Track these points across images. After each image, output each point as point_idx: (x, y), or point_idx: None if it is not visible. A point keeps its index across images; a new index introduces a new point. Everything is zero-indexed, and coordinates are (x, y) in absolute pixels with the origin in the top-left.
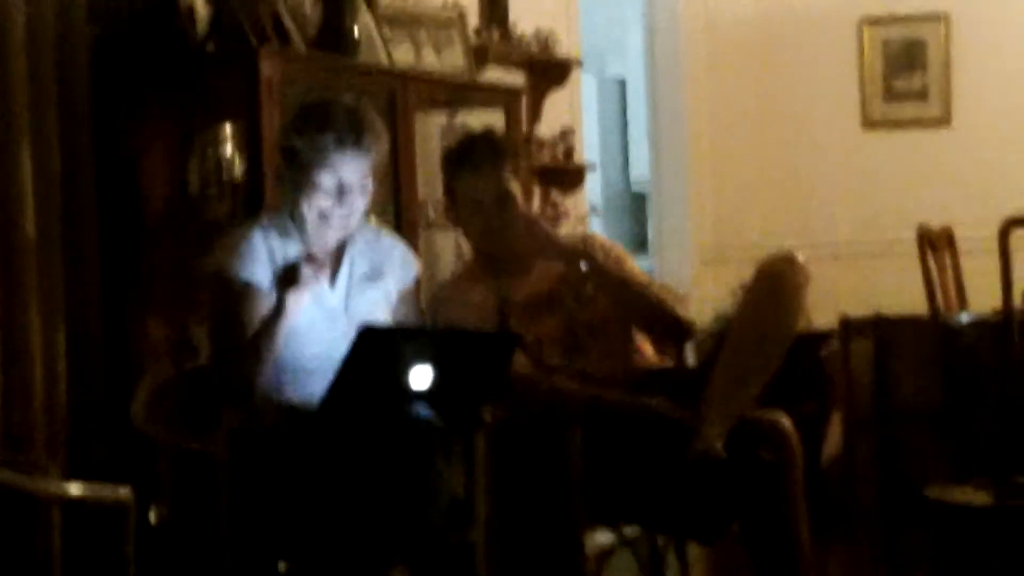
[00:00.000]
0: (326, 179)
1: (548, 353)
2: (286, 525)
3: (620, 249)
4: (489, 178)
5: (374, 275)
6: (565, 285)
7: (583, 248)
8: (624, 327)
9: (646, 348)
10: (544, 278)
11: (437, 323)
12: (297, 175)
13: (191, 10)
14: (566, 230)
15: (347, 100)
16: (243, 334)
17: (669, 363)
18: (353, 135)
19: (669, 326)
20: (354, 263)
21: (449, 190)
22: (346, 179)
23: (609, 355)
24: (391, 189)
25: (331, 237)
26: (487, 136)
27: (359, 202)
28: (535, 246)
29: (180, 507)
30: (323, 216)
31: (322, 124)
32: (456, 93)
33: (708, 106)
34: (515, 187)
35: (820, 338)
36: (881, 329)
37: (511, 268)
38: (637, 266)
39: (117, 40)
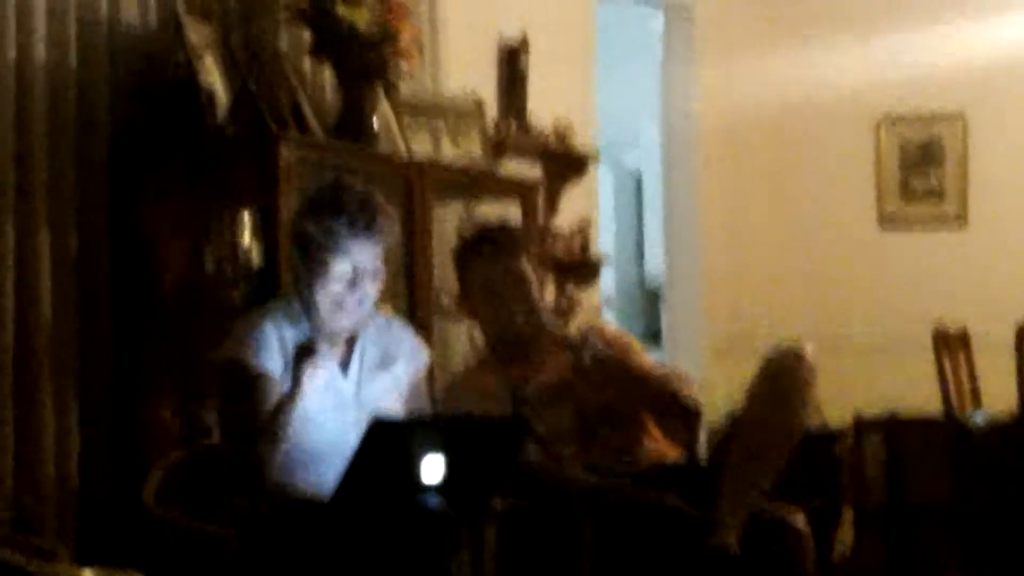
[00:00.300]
0: (339, 265)
1: (561, 444)
2: None
3: (627, 337)
4: (504, 264)
5: (385, 363)
6: (576, 374)
7: (587, 339)
8: (636, 415)
9: (657, 434)
10: (555, 368)
11: (450, 413)
12: (309, 261)
13: (211, 95)
14: (578, 322)
15: (358, 186)
16: (257, 421)
17: (681, 455)
18: (365, 220)
19: (676, 410)
20: (365, 351)
21: (463, 280)
22: (359, 264)
23: (622, 445)
24: (405, 277)
25: (344, 323)
26: (502, 226)
27: (371, 287)
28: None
29: None
30: (336, 302)
31: (335, 210)
32: (473, 183)
33: (723, 200)
34: (530, 273)
35: (834, 436)
36: (894, 428)
37: (523, 359)
38: (645, 355)
39: (137, 122)
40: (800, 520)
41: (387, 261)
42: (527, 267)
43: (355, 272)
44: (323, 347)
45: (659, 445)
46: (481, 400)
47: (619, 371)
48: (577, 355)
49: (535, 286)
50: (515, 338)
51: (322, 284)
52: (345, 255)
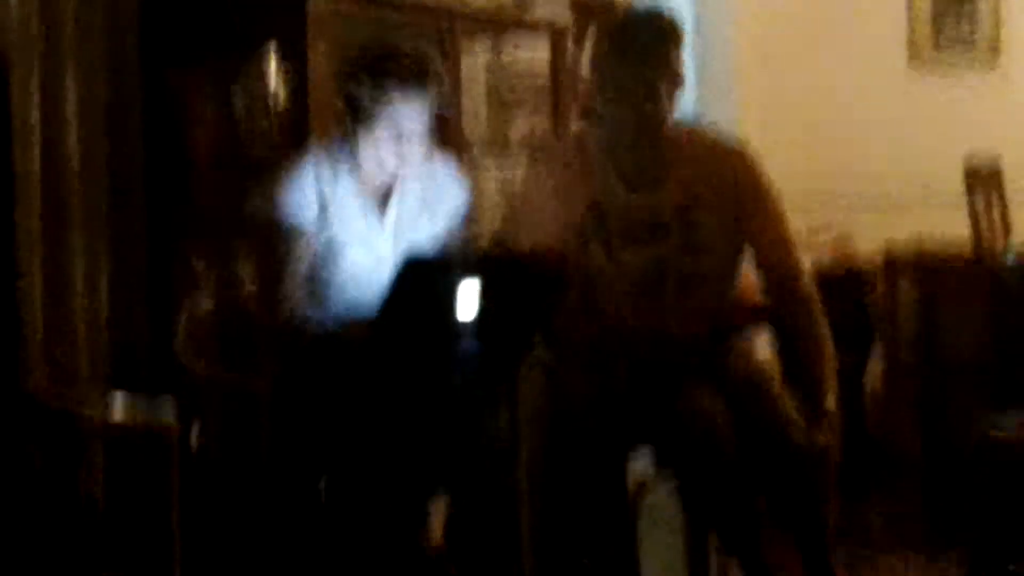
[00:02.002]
0: (387, 129)
1: (618, 287)
2: (328, 452)
3: (769, 183)
4: (641, 64)
5: (424, 207)
6: (681, 223)
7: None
8: (725, 289)
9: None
10: (666, 201)
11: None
12: (356, 121)
13: None
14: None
15: (407, 48)
16: (292, 275)
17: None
18: (415, 85)
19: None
20: (404, 199)
21: (595, 70)
22: (406, 128)
23: (688, 313)
24: (437, 127)
25: (386, 180)
26: (653, 14)
27: (416, 148)
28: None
29: (221, 435)
30: (380, 163)
31: (385, 74)
32: (503, 27)
33: (753, 44)
34: (665, 81)
35: (863, 279)
36: (925, 268)
37: (631, 174)
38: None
39: None
40: (761, 358)
41: (433, 116)
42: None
43: (401, 136)
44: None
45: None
46: (551, 197)
47: (748, 211)
48: (708, 170)
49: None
50: (638, 148)
51: (369, 143)
52: (392, 119)
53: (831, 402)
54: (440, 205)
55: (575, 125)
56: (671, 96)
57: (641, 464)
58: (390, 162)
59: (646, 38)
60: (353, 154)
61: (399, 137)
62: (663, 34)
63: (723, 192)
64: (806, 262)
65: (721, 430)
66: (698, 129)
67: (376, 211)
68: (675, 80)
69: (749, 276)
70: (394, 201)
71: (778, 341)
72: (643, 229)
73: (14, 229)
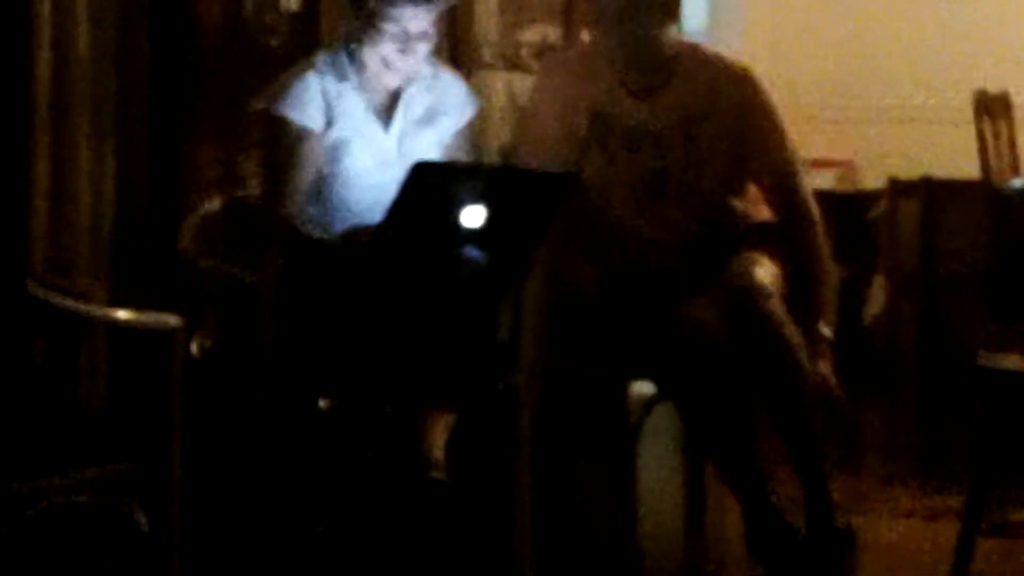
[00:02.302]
0: (391, 28)
1: (617, 192)
2: (330, 360)
3: (773, 104)
4: None
5: (430, 117)
6: (683, 135)
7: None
8: (724, 200)
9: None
10: (668, 111)
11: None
12: (362, 20)
13: None
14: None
15: None
16: (295, 175)
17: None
18: None
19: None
20: (410, 106)
21: None
22: (412, 29)
23: (686, 221)
24: (447, 28)
25: (390, 81)
26: None
27: (421, 50)
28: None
29: (224, 339)
30: (384, 62)
31: None
32: None
33: None
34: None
35: (868, 199)
36: (930, 191)
37: (634, 84)
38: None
39: None
40: (763, 273)
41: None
42: None
43: (406, 35)
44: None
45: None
46: (557, 106)
47: (747, 134)
48: (714, 95)
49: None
50: (637, 60)
51: (372, 44)
52: (398, 20)
53: (828, 331)
54: (446, 116)
55: (584, 34)
56: (666, 13)
57: (644, 385)
58: (396, 63)
59: None
60: (359, 56)
61: (405, 37)
62: None
63: (726, 109)
64: (808, 183)
65: (715, 339)
66: (703, 46)
67: (382, 116)
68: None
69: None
70: (400, 107)
71: (783, 268)
72: (645, 138)
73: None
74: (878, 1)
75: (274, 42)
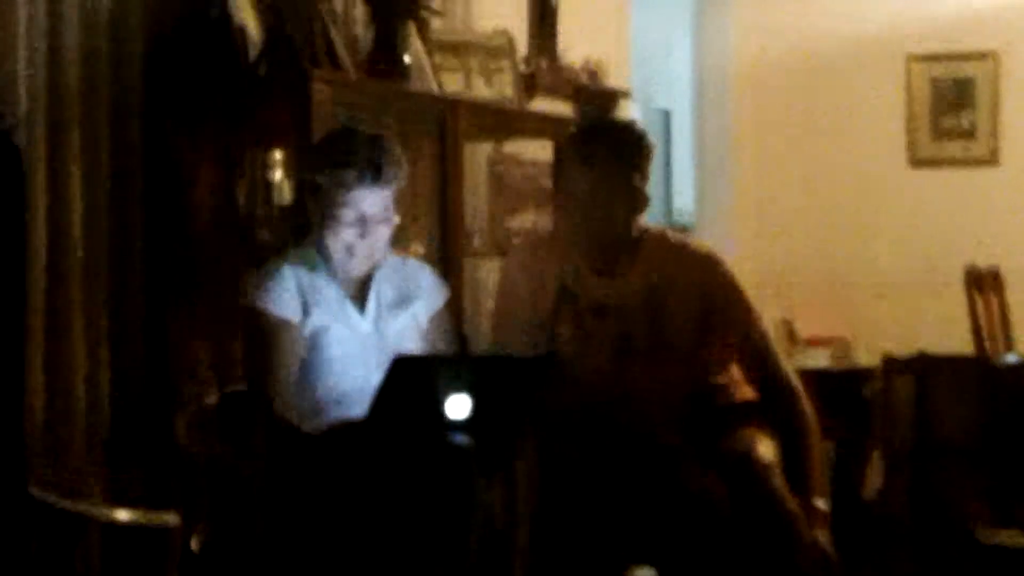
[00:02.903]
0: (348, 214)
1: (588, 357)
2: (324, 550)
3: (740, 286)
4: (588, 175)
5: (402, 302)
6: (645, 308)
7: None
8: (695, 362)
9: (736, 375)
10: (630, 289)
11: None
12: (320, 209)
13: (243, 31)
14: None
15: (368, 130)
16: (278, 367)
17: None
18: (373, 169)
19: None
20: (381, 291)
21: (557, 175)
22: (368, 212)
23: (668, 381)
24: (438, 216)
25: (357, 268)
26: (623, 127)
27: (382, 233)
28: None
29: (221, 531)
30: (347, 248)
31: (342, 159)
32: (505, 121)
33: (754, 139)
34: (620, 193)
35: (863, 376)
36: (924, 368)
37: (597, 264)
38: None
39: (169, 59)
40: (765, 449)
41: (398, 203)
42: (626, 187)
43: (364, 219)
44: (337, 287)
45: (740, 388)
46: (528, 283)
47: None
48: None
49: (633, 211)
50: (600, 248)
51: (333, 231)
52: (353, 204)
53: (822, 503)
54: (417, 300)
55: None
56: (631, 207)
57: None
58: (357, 248)
59: (604, 151)
60: (325, 246)
61: (363, 221)
62: (624, 148)
63: (688, 287)
64: (782, 356)
65: (721, 514)
66: (668, 232)
67: (356, 301)
68: (633, 193)
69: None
70: (372, 292)
71: (777, 442)
72: (610, 309)
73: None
74: (865, 179)
75: (266, 234)
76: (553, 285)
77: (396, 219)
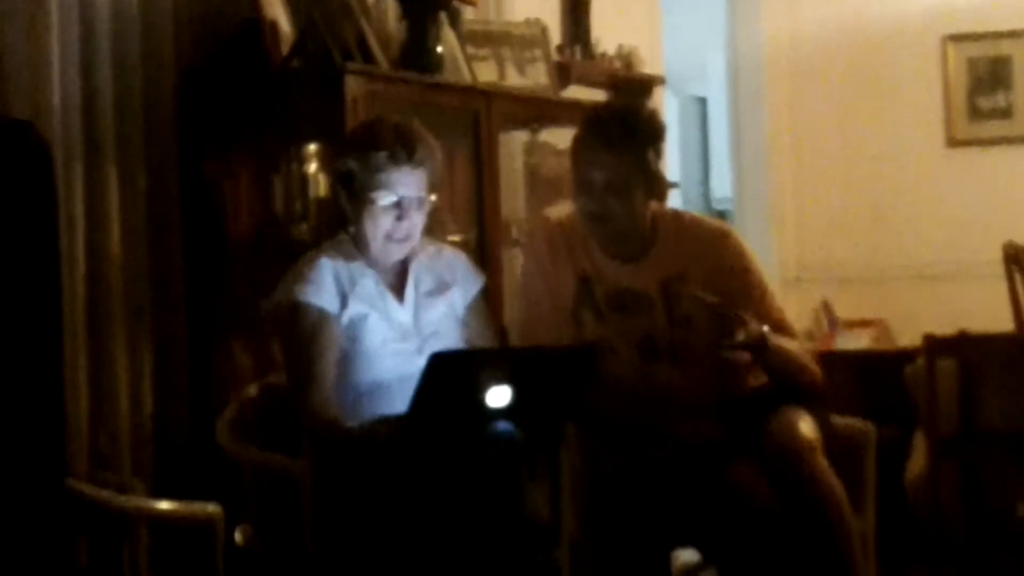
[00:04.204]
0: (384, 197)
1: (618, 354)
2: (371, 546)
3: (751, 258)
4: (604, 158)
5: (439, 290)
6: (664, 296)
7: (720, 248)
8: (720, 358)
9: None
10: (649, 275)
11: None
12: (355, 198)
13: (275, 30)
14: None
15: (395, 118)
16: (318, 358)
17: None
18: (405, 151)
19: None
20: (419, 279)
21: (572, 161)
22: (404, 195)
23: (694, 373)
24: (475, 207)
25: (394, 253)
26: (628, 111)
27: (418, 217)
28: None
29: (266, 527)
30: (386, 235)
31: (373, 144)
32: (539, 111)
33: (790, 125)
34: (637, 176)
35: (904, 358)
36: (967, 348)
37: (613, 250)
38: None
39: (202, 62)
40: (806, 428)
41: (433, 189)
42: (637, 171)
43: (400, 203)
44: (375, 277)
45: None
46: (548, 275)
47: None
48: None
49: (638, 197)
50: (617, 234)
51: (370, 218)
52: (389, 188)
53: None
54: (454, 288)
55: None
56: (646, 191)
57: (686, 553)
58: (396, 234)
59: (619, 134)
60: (361, 236)
61: (398, 205)
62: (637, 132)
63: (703, 268)
64: (796, 331)
65: (764, 504)
66: (685, 213)
67: (395, 290)
68: (649, 177)
69: None
70: (410, 280)
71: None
72: (629, 298)
73: (61, 322)
74: (902, 161)
75: (303, 229)
76: (571, 272)
77: (432, 199)
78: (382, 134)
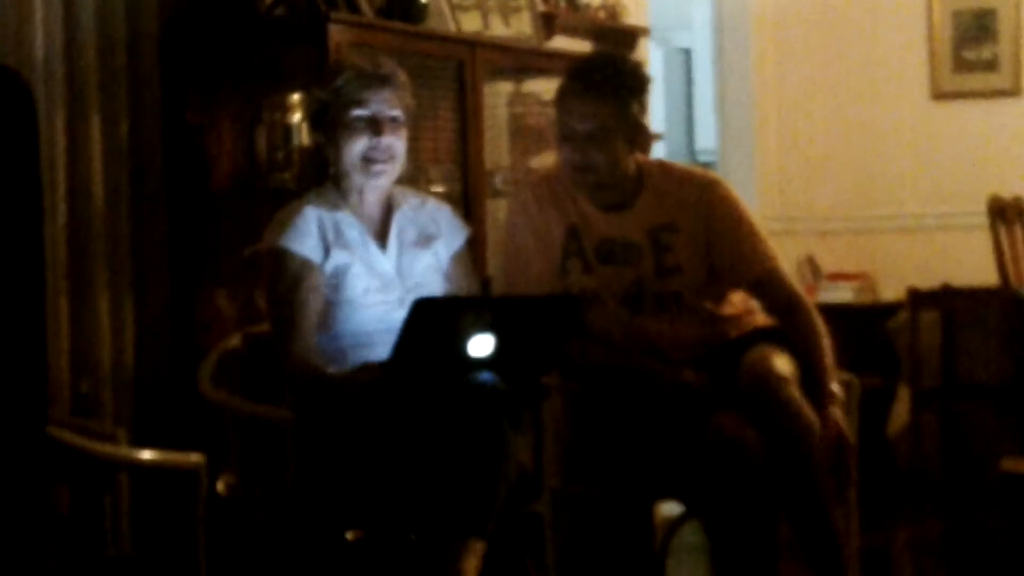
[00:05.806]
0: (357, 114)
1: (605, 304)
2: (353, 495)
3: (741, 206)
4: (587, 108)
5: (423, 240)
6: (652, 244)
7: (703, 196)
8: (711, 300)
9: (748, 304)
10: (637, 224)
11: (509, 230)
12: (329, 127)
13: None
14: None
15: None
16: (301, 307)
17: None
18: (371, 67)
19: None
20: (403, 230)
21: (557, 112)
22: (377, 111)
23: (680, 323)
24: (459, 157)
25: (378, 179)
26: (610, 61)
27: (394, 139)
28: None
29: (248, 476)
30: (364, 157)
31: (339, 69)
32: (523, 61)
33: (775, 76)
34: (620, 126)
35: (887, 310)
36: (950, 301)
37: (599, 199)
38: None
39: (186, 9)
40: (780, 363)
41: (408, 116)
42: (617, 118)
43: (374, 119)
44: (359, 225)
45: (750, 315)
46: (535, 225)
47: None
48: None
49: (619, 144)
50: (603, 183)
51: (346, 142)
52: (360, 104)
53: (835, 387)
54: (438, 239)
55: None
56: (629, 142)
57: (670, 504)
58: (373, 154)
59: (601, 84)
60: (345, 184)
61: (374, 122)
62: (619, 82)
63: (692, 216)
64: (786, 269)
65: (751, 453)
66: (673, 163)
67: (377, 239)
68: (632, 128)
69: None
70: (393, 229)
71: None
72: (617, 248)
73: (44, 268)
74: (887, 113)
75: (287, 178)
76: (559, 223)
77: (405, 119)
78: (346, 62)
